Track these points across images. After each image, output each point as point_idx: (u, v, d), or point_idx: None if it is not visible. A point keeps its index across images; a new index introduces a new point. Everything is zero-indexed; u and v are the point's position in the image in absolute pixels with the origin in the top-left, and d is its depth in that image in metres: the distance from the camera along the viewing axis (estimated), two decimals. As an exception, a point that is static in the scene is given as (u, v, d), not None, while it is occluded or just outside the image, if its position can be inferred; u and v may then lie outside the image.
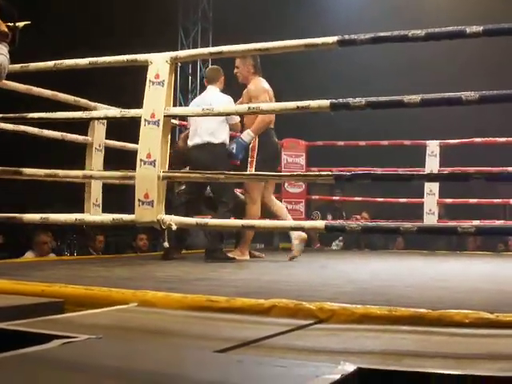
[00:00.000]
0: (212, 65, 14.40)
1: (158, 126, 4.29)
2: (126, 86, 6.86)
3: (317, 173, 3.98)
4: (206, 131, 6.39)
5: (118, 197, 6.88)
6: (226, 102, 6.26)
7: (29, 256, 7.75)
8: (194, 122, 6.54)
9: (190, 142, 6.53)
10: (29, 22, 3.99)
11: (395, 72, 11.97)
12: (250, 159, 6.34)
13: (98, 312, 3.18)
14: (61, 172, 4.75)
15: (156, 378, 1.83)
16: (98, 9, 12.00)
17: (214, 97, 6.51)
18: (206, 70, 6.90)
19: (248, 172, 6.10)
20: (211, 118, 6.19)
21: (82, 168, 6.45)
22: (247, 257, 6.50)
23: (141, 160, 4.29)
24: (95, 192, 6.60)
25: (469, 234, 3.43)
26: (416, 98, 3.69)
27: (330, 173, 3.95)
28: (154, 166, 4.25)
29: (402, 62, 11.68)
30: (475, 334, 2.65)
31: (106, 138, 6.93)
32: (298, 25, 11.31)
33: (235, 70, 6.60)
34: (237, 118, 6.57)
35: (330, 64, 11.24)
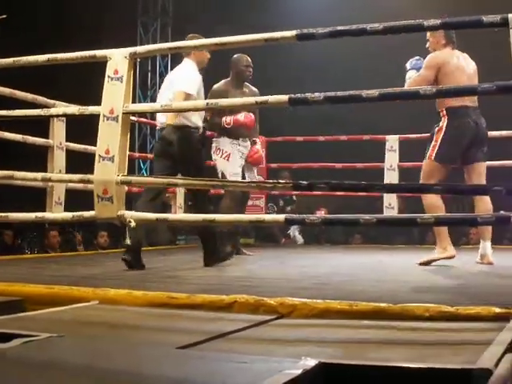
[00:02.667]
0: (172, 60, 14.45)
1: (117, 121, 4.23)
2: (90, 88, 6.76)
3: (274, 181, 3.97)
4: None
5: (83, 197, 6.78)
6: None
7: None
8: None
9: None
10: (4, 16, 3.92)
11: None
12: (433, 143, 5.47)
13: (59, 310, 3.15)
14: (18, 174, 4.67)
15: (118, 375, 1.82)
16: (56, 6, 11.87)
17: None
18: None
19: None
20: None
21: (44, 169, 6.40)
22: (451, 252, 5.39)
23: (99, 156, 4.24)
24: (58, 190, 6.55)
25: (428, 225, 3.47)
26: (374, 92, 3.70)
27: (288, 181, 3.95)
28: (113, 162, 4.19)
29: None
30: (436, 327, 2.67)
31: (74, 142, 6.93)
32: (260, 18, 11.24)
33: (427, 44, 5.81)
34: None
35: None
